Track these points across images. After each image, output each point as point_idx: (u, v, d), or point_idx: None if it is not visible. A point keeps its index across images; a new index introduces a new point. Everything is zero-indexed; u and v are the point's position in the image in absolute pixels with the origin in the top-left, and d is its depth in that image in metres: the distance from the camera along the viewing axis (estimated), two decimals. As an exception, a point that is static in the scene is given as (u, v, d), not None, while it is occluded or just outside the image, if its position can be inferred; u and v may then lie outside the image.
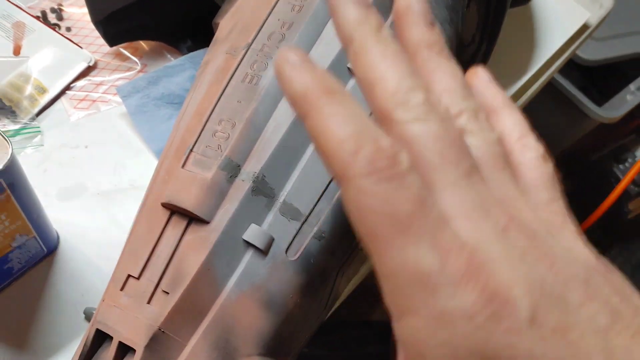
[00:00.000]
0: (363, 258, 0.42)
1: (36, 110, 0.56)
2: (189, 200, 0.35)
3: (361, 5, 0.20)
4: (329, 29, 0.40)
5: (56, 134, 0.56)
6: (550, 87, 1.22)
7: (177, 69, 0.58)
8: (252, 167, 0.36)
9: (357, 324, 1.07)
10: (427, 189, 0.17)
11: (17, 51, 0.59)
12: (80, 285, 0.50)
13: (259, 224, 0.36)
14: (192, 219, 0.36)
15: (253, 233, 0.36)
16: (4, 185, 0.41)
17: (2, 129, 0.54)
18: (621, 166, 1.39)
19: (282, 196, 0.37)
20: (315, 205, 0.38)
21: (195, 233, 0.36)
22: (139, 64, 0.61)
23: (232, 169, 0.36)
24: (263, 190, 0.36)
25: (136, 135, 0.57)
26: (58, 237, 0.51)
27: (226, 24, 0.46)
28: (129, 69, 0.61)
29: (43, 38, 0.60)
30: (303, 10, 0.40)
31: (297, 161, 0.37)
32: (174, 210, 0.36)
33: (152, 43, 0.63)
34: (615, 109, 1.25)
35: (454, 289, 0.16)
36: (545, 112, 1.29)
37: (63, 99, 0.58)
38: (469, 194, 0.18)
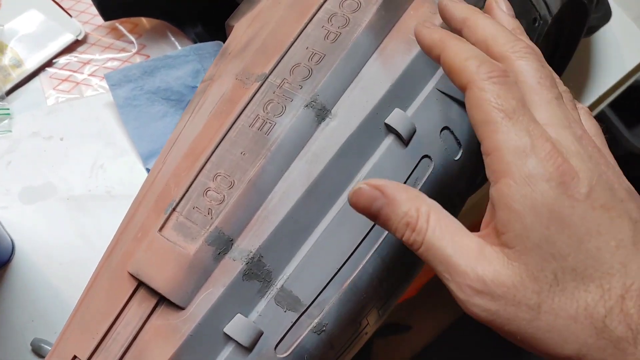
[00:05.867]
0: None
1: (7, 87, 0.48)
2: (161, 280, 0.28)
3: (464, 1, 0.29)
4: (370, 70, 0.31)
5: (28, 119, 0.48)
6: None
7: (179, 61, 0.49)
8: (248, 243, 0.28)
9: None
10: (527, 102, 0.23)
11: (-7, 11, 0.50)
12: (32, 308, 0.42)
13: (247, 313, 0.29)
14: (164, 298, 0.28)
15: (237, 326, 0.28)
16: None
17: (-37, 107, 0.46)
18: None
19: (279, 281, 0.29)
20: (320, 293, 0.30)
21: (165, 318, 0.28)
22: (136, 45, 0.52)
23: (222, 244, 0.28)
24: (257, 274, 0.29)
25: (122, 131, 0.49)
26: (13, 248, 0.44)
27: (242, 33, 0.37)
28: (123, 50, 0.52)
29: (27, -1, 0.51)
30: (339, 40, 0.31)
31: (304, 240, 0.30)
32: (142, 282, 0.28)
33: (155, 21, 0.53)
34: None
35: (539, 161, 0.21)
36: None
37: (41, 76, 0.50)
38: (556, 110, 0.23)
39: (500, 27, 0.26)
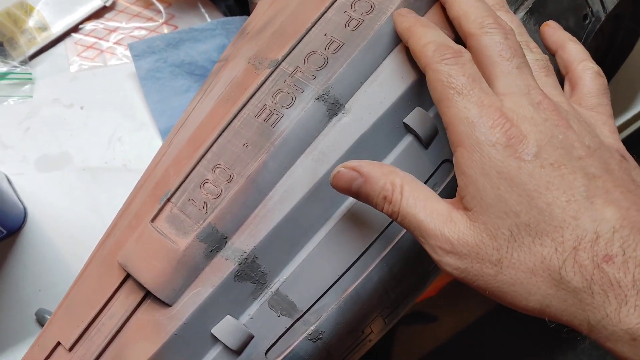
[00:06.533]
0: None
1: (32, 51, 0.47)
2: (148, 274, 0.26)
3: None
4: (391, 63, 0.29)
5: (49, 85, 0.47)
6: None
7: (206, 34, 0.48)
8: (243, 243, 0.27)
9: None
10: (485, 76, 0.25)
11: (24, -29, 0.48)
12: (39, 278, 0.42)
13: (237, 316, 0.27)
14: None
15: (226, 328, 0.27)
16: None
17: (-13, 69, 0.45)
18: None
19: (275, 284, 0.27)
20: (318, 300, 0.28)
21: (151, 314, 0.27)
22: (164, 15, 0.50)
23: (215, 242, 0.27)
24: (251, 276, 0.27)
25: (143, 104, 0.47)
26: (25, 215, 0.43)
27: (263, 12, 0.34)
28: (151, 19, 0.50)
29: (58, -40, 0.50)
30: (360, 28, 0.29)
31: (304, 243, 0.28)
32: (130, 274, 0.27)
33: (186, -10, 0.52)
34: None
35: (488, 129, 0.23)
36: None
37: (67, 41, 0.49)
38: (516, 79, 0.24)
39: (475, 3, 0.27)
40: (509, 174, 0.22)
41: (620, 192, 0.22)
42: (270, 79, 0.28)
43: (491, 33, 0.26)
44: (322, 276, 0.28)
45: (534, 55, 0.28)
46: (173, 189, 0.28)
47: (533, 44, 0.28)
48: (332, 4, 0.29)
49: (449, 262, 0.23)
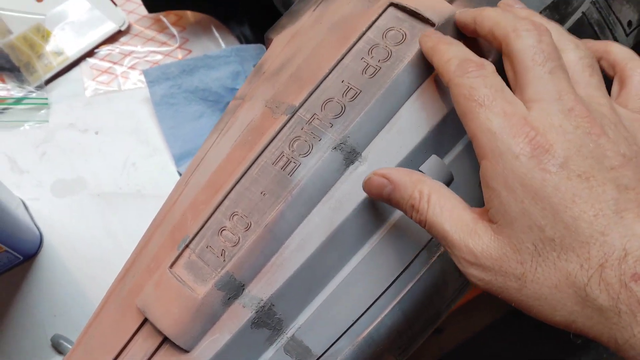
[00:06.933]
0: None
1: (48, 76, 0.47)
2: (167, 321, 0.27)
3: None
4: (408, 112, 0.29)
5: (65, 110, 0.48)
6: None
7: (220, 61, 0.48)
8: (260, 291, 0.27)
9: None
10: (518, 84, 0.24)
11: (40, -5, 0.49)
12: (55, 303, 0.43)
13: (253, 362, 0.28)
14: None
15: (242, 374, 0.27)
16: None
17: (6, 94, 0.46)
18: None
19: (291, 330, 0.28)
20: (334, 344, 0.29)
21: (169, 359, 0.27)
22: (178, 39, 0.51)
23: (233, 289, 0.27)
24: (267, 322, 0.27)
25: (157, 130, 0.48)
26: (41, 240, 0.44)
27: (279, 50, 0.35)
28: (165, 43, 0.51)
29: (73, -16, 0.50)
30: (378, 76, 0.29)
31: (319, 290, 0.28)
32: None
33: (200, 15, 0.52)
34: None
35: (511, 139, 0.22)
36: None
37: (82, 65, 0.49)
38: (547, 85, 0.23)
39: (504, 14, 0.26)
40: (533, 186, 0.21)
41: None
42: (288, 125, 0.29)
43: (524, 36, 0.24)
44: (337, 321, 0.28)
45: (578, 53, 0.26)
46: (191, 235, 0.28)
47: (578, 41, 0.27)
48: (350, 50, 0.30)
49: (473, 274, 0.23)
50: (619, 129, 0.23)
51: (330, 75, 0.29)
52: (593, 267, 0.20)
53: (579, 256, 0.21)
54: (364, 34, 0.30)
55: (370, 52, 0.29)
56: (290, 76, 0.31)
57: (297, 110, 0.29)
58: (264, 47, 0.49)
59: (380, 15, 0.30)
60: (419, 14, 0.29)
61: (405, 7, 0.30)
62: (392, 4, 0.30)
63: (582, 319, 0.21)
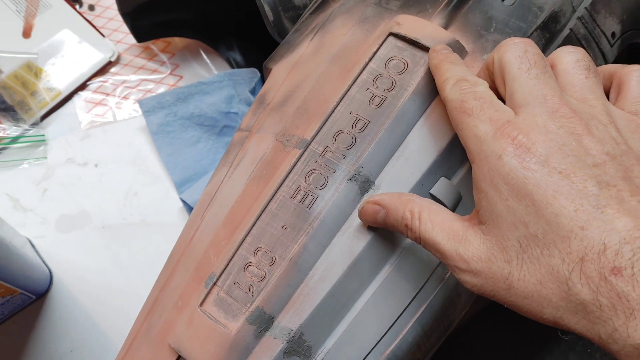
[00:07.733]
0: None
1: (42, 112, 0.47)
2: (203, 358, 0.28)
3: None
4: (415, 137, 0.30)
5: (62, 145, 0.48)
6: None
7: (214, 87, 0.49)
8: (289, 321, 0.28)
9: None
10: (508, 94, 0.26)
11: (27, 32, 0.49)
12: (70, 338, 0.43)
13: (286, 388, 0.29)
14: (204, 373, 0.28)
15: (277, 402, 0.28)
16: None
17: (3, 134, 0.46)
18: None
19: (319, 355, 0.29)
20: (359, 364, 0.30)
21: (206, 394, 0.28)
22: (168, 65, 0.51)
23: (264, 323, 0.28)
24: (298, 350, 0.28)
25: (155, 157, 0.48)
26: (51, 278, 0.44)
27: (280, 80, 0.36)
28: (156, 71, 0.51)
29: (60, 18, 0.50)
30: (384, 106, 0.30)
31: (343, 315, 0.29)
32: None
33: (188, 40, 0.52)
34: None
35: (493, 141, 0.23)
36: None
37: (75, 100, 0.49)
38: (532, 90, 0.24)
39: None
40: (517, 184, 0.22)
41: (638, 201, 0.21)
42: (302, 159, 0.30)
43: (511, 49, 0.26)
44: (362, 342, 0.30)
45: (575, 56, 0.27)
46: (217, 273, 0.29)
47: (577, 48, 0.28)
48: (355, 81, 0.31)
49: (467, 280, 0.24)
50: (608, 128, 0.24)
51: (338, 107, 0.31)
52: (574, 260, 0.21)
53: (561, 251, 0.21)
54: (367, 64, 0.31)
55: (374, 82, 0.31)
56: (298, 108, 0.32)
57: (309, 144, 0.30)
58: (256, 70, 0.49)
59: (381, 45, 0.31)
60: (419, 43, 0.31)
61: (404, 36, 0.31)
62: (391, 34, 0.31)
63: (568, 314, 0.21)
